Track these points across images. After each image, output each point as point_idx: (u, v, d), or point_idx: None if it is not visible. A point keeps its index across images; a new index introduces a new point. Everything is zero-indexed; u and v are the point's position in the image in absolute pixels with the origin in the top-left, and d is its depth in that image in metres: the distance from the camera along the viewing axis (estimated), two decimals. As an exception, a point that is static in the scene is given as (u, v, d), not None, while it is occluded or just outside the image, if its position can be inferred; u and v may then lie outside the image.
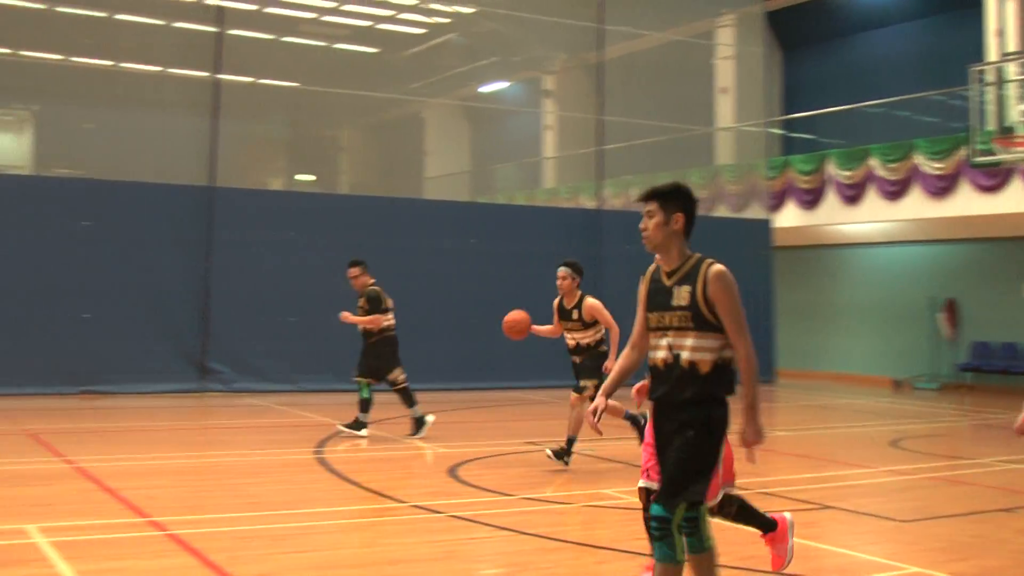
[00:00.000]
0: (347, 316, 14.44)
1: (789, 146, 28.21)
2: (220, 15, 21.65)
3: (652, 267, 5.86)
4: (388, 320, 14.45)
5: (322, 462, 12.53)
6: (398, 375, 14.43)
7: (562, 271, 12.03)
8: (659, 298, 5.74)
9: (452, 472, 11.75)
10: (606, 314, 11.89)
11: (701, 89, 28.50)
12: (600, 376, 11.86)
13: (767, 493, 10.86)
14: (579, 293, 12.00)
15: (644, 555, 7.75)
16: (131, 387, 19.39)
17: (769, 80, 28.11)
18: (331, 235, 20.63)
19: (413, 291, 20.52)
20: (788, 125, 28.61)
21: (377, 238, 20.97)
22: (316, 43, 28.62)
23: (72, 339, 19.10)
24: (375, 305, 14.30)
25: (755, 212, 26.34)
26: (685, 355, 5.60)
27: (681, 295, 5.64)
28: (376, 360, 14.40)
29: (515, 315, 12.05)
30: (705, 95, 28.50)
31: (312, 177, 32.47)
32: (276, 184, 30.13)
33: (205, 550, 7.82)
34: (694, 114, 28.20)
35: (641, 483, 6.68)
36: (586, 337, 11.95)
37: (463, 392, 21.10)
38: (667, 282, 5.72)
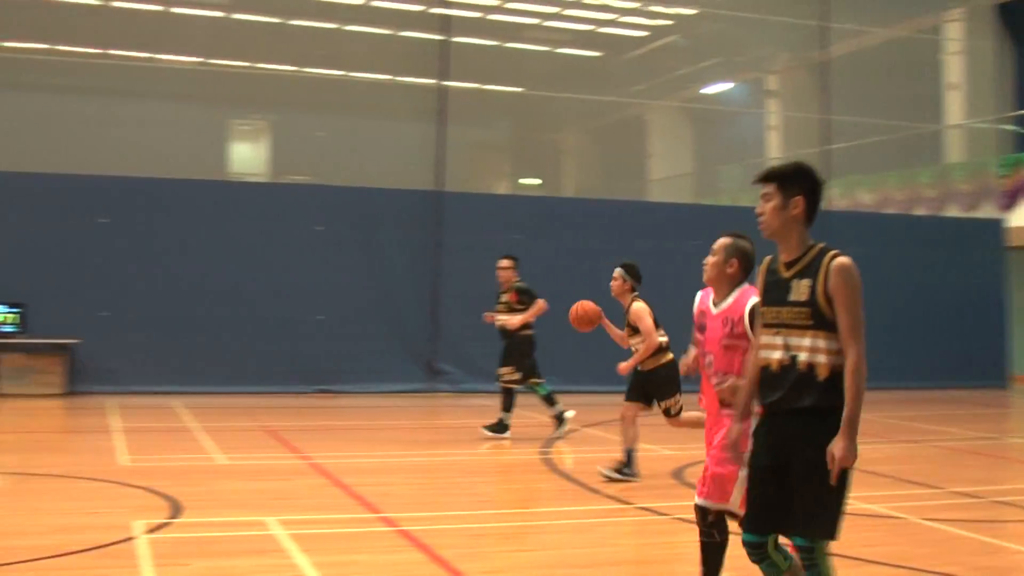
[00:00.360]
0: (509, 321, 14.40)
1: (1023, 143, 27.19)
2: (446, 23, 22.13)
3: (768, 258, 5.41)
4: (532, 318, 14.31)
5: (548, 463, 12.70)
6: (511, 373, 14.39)
7: (615, 272, 11.43)
8: (776, 292, 5.22)
9: (677, 474, 11.76)
10: (647, 321, 11.08)
11: (929, 86, 27.71)
12: (676, 390, 11.17)
13: (1001, 502, 10.55)
14: (631, 296, 11.33)
15: (877, 563, 7.66)
16: (363, 387, 19.99)
17: (1001, 75, 27.14)
18: (556, 238, 20.84)
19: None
20: (1022, 121, 27.57)
21: (601, 241, 21.08)
22: (539, 48, 28.94)
23: (307, 340, 19.80)
24: (528, 297, 14.30)
25: (987, 212, 25.47)
26: (803, 356, 5.08)
27: (800, 289, 5.12)
28: (516, 357, 14.40)
29: (582, 305, 11.62)
30: (933, 92, 27.70)
31: (537, 181, 32.84)
32: (502, 188, 30.57)
33: (435, 546, 8.04)
34: (922, 111, 27.47)
35: (697, 501, 6.32)
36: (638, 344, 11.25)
37: (691, 394, 20.99)
38: (785, 274, 5.21)
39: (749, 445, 5.42)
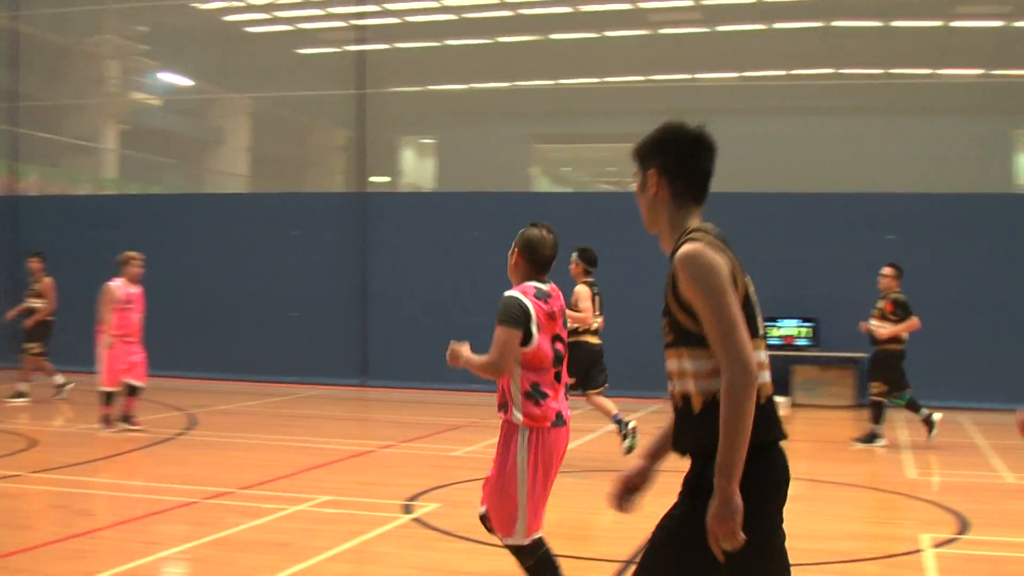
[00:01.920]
0: (879, 330, 14.31)
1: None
2: None
3: None
4: (902, 332, 14.22)
5: None
6: (879, 387, 14.31)
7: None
8: None
9: None
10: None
11: None
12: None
13: None
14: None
15: None
16: None
17: None
18: None
19: None
20: None
21: None
22: None
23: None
24: (902, 311, 14.15)
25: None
26: (676, 385, 3.74)
27: (664, 295, 3.78)
28: (883, 370, 14.30)
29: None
30: None
31: None
32: None
33: None
34: None
35: (481, 509, 6.19)
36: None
37: None
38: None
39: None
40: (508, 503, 5.88)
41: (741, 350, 3.49)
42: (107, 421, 14.29)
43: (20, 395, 17.45)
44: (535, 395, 5.87)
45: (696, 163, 3.85)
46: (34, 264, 17.79)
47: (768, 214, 19.94)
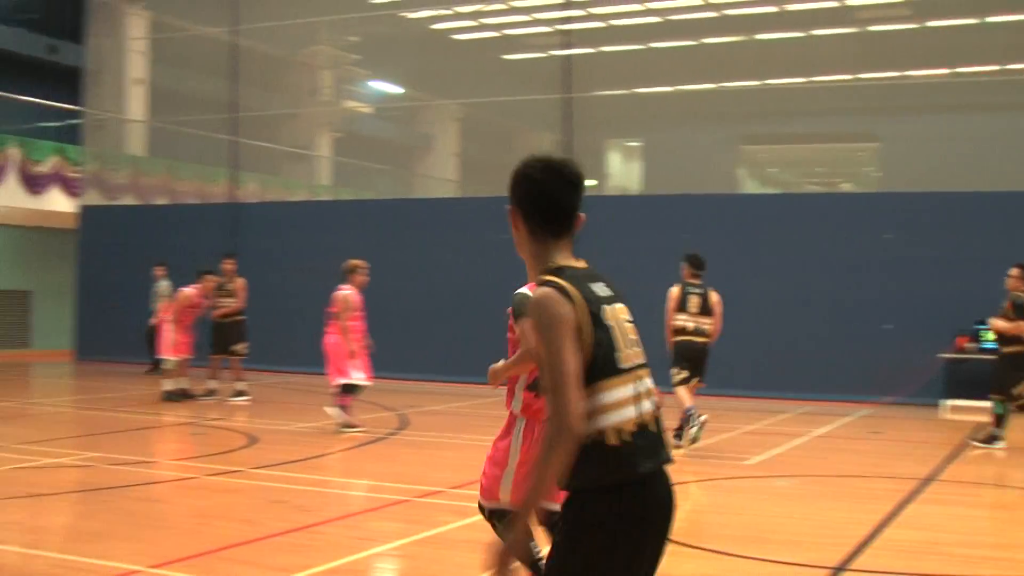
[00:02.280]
0: (995, 323, 14.17)
1: None
2: None
3: None
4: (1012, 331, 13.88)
5: None
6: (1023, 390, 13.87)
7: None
8: None
9: None
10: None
11: None
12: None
13: None
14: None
15: None
16: None
17: None
18: None
19: None
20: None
21: None
22: None
23: None
24: (1018, 312, 13.78)
25: None
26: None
27: None
28: (1007, 374, 13.93)
29: None
30: None
31: None
32: None
33: None
34: None
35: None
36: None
37: None
38: None
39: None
40: (494, 476, 6.24)
41: (564, 409, 3.45)
42: (345, 410, 14.77)
43: (240, 394, 18.16)
44: (535, 388, 6.03)
45: (550, 199, 3.77)
46: (227, 265, 18.58)
47: (979, 213, 19.30)
